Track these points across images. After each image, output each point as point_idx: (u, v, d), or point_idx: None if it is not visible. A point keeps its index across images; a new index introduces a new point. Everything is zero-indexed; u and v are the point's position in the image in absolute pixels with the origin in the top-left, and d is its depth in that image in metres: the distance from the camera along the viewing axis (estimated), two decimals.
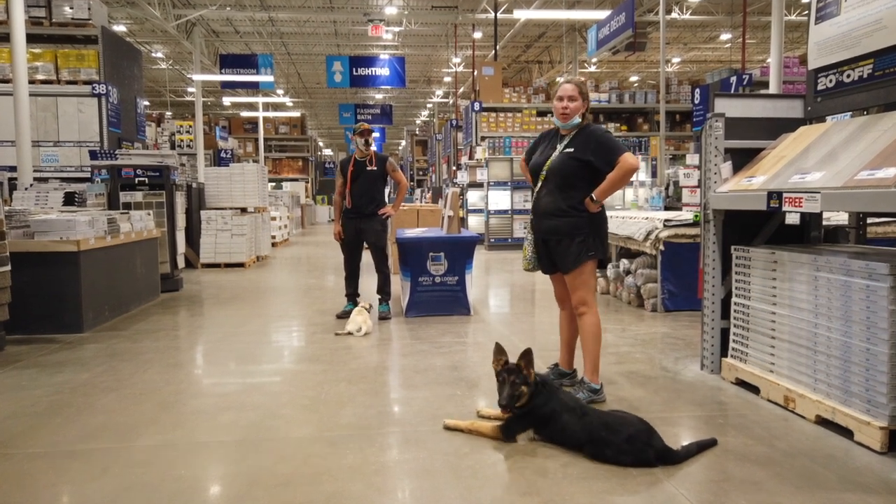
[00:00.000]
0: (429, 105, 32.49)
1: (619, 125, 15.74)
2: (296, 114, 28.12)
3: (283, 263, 11.59)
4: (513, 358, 3.20)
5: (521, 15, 15.47)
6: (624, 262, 7.13)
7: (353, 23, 19.13)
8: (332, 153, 42.41)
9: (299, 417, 3.52)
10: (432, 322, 6.00)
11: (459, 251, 6.28)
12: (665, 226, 6.37)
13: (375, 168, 6.16)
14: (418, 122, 36.81)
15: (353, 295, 6.37)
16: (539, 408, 3.10)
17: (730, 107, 4.20)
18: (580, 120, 3.73)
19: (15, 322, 5.17)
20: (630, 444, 2.86)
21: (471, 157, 14.58)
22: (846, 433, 3.11)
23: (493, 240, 13.57)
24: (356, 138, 6.17)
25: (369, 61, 18.49)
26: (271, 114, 27.23)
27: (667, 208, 9.63)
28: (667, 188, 11.16)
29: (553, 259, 3.82)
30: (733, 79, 11.82)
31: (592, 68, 24.07)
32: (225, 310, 6.90)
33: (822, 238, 4.40)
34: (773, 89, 9.84)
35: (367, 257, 6.35)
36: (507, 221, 13.62)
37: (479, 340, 5.31)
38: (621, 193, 13.38)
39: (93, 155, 8.68)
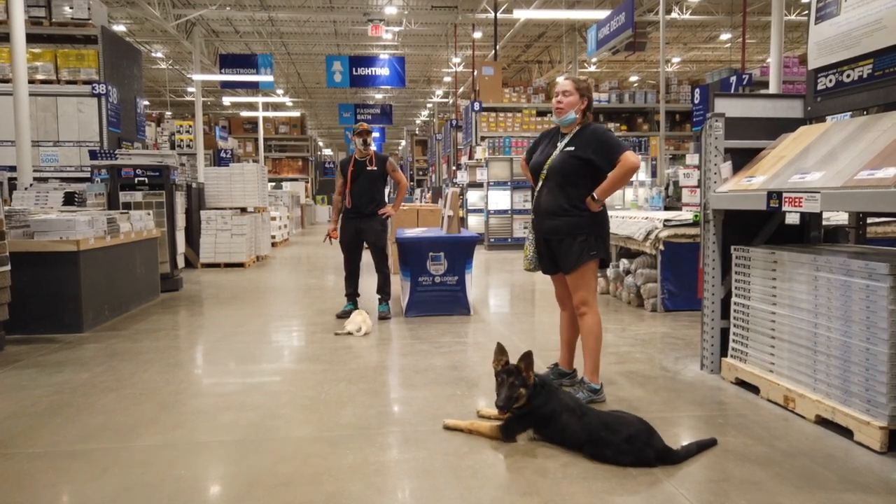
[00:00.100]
0: (429, 105, 32.48)
1: (618, 125, 15.72)
2: (296, 114, 28.10)
3: (282, 263, 11.59)
4: (513, 359, 3.20)
5: (521, 15, 15.47)
6: (624, 262, 7.13)
7: (353, 23, 19.13)
8: (331, 153, 42.40)
9: (299, 417, 3.52)
10: (432, 322, 6.00)
11: (459, 251, 6.28)
12: (665, 226, 6.37)
13: (375, 168, 6.17)
14: (418, 122, 36.81)
15: (352, 295, 6.38)
16: (539, 408, 3.10)
17: (730, 107, 4.20)
18: (576, 116, 3.71)
19: (15, 322, 5.17)
20: (630, 444, 2.86)
21: (471, 157, 14.57)
22: (846, 433, 3.11)
23: (492, 240, 13.59)
24: (355, 139, 6.19)
25: (369, 61, 18.48)
26: (271, 114, 27.22)
27: (667, 208, 9.63)
28: (667, 188, 11.15)
29: (554, 259, 3.81)
30: (733, 79, 11.81)
31: (592, 68, 24.07)
32: (225, 310, 6.90)
33: (822, 238, 4.40)
34: (772, 89, 9.84)
35: (367, 257, 6.35)
36: (506, 221, 13.63)
37: (479, 340, 5.31)
38: (621, 193, 13.41)
39: (92, 155, 8.67)
